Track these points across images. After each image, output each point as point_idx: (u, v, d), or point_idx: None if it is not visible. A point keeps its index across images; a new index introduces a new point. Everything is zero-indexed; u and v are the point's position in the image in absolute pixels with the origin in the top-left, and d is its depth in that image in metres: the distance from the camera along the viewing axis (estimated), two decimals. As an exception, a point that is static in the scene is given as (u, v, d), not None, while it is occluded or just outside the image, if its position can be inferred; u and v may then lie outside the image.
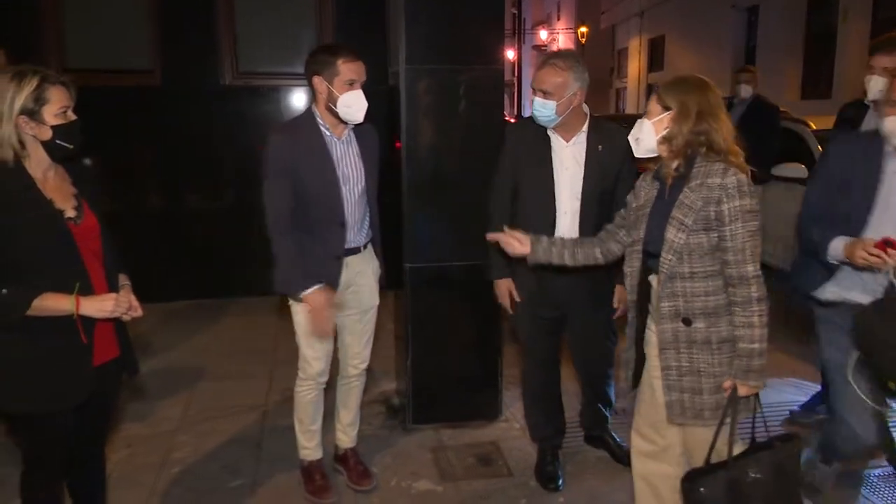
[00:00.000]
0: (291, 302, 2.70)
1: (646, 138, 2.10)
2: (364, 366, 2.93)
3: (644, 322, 2.24)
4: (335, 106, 2.53)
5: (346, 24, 5.36)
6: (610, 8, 21.65)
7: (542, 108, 2.60)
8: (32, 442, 2.09)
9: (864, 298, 2.28)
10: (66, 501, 2.24)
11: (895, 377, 2.13)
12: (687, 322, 2.06)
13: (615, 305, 2.83)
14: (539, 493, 2.90)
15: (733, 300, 2.02)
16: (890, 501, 2.84)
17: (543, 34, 29.33)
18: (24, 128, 1.92)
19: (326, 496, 2.83)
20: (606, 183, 2.69)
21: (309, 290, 2.53)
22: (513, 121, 4.59)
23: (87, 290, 1.97)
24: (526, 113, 15.28)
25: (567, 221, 2.69)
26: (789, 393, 3.76)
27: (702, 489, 2.00)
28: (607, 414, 3.16)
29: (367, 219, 2.78)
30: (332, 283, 2.63)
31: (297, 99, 5.54)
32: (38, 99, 1.92)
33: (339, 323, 2.80)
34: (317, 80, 2.54)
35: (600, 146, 2.68)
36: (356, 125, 2.62)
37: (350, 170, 2.64)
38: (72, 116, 1.99)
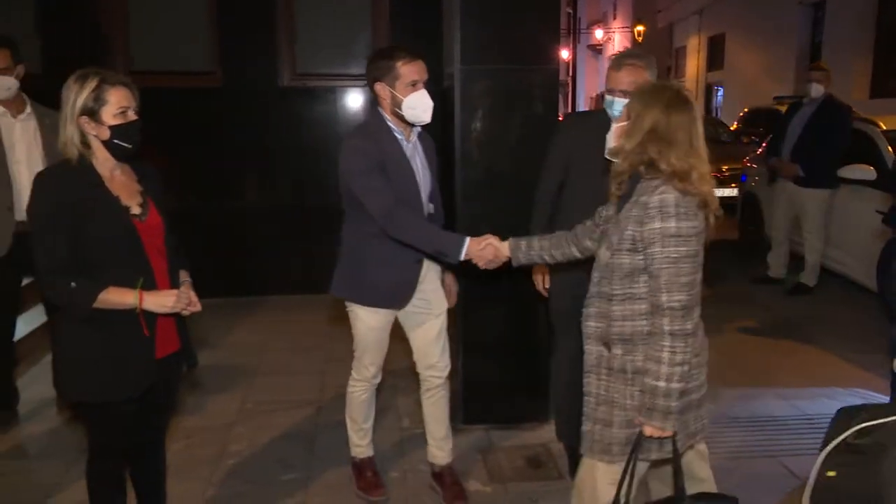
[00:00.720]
0: (350, 307, 2.69)
1: (609, 143, 2.00)
2: (446, 373, 2.82)
3: None
4: (400, 109, 2.49)
5: (400, 24, 5.40)
6: (667, 6, 21.19)
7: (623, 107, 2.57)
8: (97, 430, 2.16)
9: None
10: (129, 491, 2.31)
11: None
12: (608, 346, 1.96)
13: None
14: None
15: (650, 330, 1.88)
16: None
17: (599, 33, 28.93)
18: (85, 127, 1.98)
19: (377, 493, 2.83)
20: None
21: (464, 246, 2.40)
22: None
23: (151, 286, 2.03)
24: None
25: None
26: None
27: None
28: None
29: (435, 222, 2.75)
30: (410, 286, 2.64)
31: (352, 100, 5.60)
32: (98, 99, 1.97)
33: (411, 332, 2.77)
34: (378, 86, 2.51)
35: None
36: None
37: (421, 173, 2.64)
38: (132, 116, 2.03)
